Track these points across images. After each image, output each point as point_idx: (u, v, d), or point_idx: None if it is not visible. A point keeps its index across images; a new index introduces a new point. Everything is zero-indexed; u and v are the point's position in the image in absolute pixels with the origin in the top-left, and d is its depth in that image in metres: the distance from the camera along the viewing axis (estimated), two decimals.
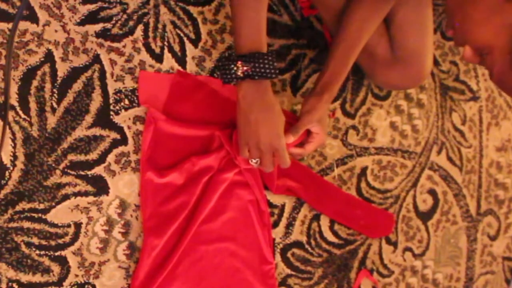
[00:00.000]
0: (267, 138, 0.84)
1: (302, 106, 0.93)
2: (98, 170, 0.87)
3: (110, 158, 0.88)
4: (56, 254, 0.84)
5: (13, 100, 0.82)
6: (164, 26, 0.93)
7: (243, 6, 0.79)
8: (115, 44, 0.89)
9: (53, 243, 0.84)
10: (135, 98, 0.91)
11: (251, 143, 0.85)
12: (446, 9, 0.73)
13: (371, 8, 0.92)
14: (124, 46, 0.90)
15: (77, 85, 0.86)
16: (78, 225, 0.86)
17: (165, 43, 0.93)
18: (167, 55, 0.93)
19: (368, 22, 0.92)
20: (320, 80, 0.93)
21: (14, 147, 0.82)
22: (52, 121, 0.84)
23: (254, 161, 0.87)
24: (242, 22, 0.79)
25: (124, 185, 0.89)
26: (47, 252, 0.84)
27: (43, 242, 0.83)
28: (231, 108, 0.95)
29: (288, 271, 1.04)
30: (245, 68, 0.79)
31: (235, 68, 0.80)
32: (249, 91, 0.82)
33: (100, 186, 0.87)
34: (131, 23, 0.91)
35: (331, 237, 1.09)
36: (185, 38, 0.95)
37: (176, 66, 0.94)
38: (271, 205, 1.02)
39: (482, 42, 0.64)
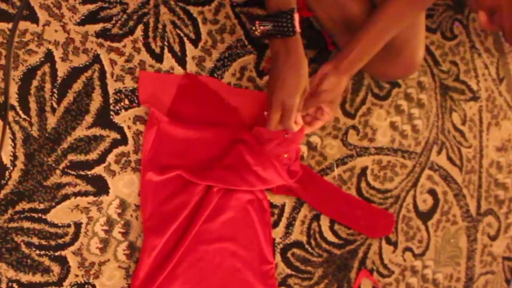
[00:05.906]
0: (280, 94, 0.84)
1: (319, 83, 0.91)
2: (98, 170, 0.87)
3: (110, 158, 0.88)
4: (56, 254, 0.84)
5: (13, 100, 0.82)
6: (164, 26, 0.93)
7: None
8: (115, 44, 0.89)
9: (53, 243, 0.84)
10: (135, 98, 0.91)
11: (270, 97, 0.85)
12: None
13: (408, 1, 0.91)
14: (124, 46, 0.90)
15: (77, 85, 0.86)
16: (78, 225, 0.86)
17: (165, 43, 0.93)
18: (167, 55, 0.93)
19: (402, 13, 0.91)
20: (343, 59, 0.90)
21: (14, 147, 0.82)
22: (52, 121, 0.84)
23: (265, 113, 0.87)
24: None
25: (124, 185, 0.89)
26: (47, 252, 0.84)
27: (43, 242, 0.83)
28: (237, 114, 0.96)
29: (288, 271, 1.04)
30: (261, 28, 0.82)
31: (253, 28, 0.83)
32: (279, 49, 0.83)
33: (100, 186, 0.87)
34: (131, 23, 0.91)
35: (331, 237, 1.09)
36: (185, 38, 0.95)
37: (176, 66, 0.94)
38: (271, 205, 1.02)
39: (491, 1, 0.64)
